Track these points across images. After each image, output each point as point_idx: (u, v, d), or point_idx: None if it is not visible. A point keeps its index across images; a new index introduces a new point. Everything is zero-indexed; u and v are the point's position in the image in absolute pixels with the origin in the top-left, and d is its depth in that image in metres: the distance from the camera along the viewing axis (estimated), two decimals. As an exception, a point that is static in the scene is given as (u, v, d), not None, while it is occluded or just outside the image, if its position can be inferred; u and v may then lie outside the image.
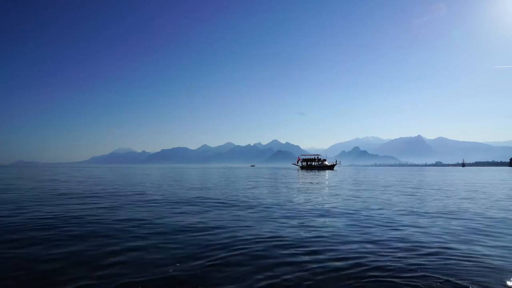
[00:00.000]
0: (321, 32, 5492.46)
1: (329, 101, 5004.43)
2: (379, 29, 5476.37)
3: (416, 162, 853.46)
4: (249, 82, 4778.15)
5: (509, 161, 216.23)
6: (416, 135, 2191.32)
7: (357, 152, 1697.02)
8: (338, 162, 72.87)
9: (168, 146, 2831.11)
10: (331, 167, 69.72)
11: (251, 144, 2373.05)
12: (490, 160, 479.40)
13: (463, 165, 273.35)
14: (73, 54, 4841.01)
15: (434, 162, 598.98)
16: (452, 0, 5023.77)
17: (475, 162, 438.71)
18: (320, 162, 70.64)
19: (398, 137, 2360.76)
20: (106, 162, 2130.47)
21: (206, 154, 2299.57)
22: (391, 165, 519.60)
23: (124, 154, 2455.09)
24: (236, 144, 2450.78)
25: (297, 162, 74.89)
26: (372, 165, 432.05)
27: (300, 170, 58.90)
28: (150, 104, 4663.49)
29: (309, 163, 72.34)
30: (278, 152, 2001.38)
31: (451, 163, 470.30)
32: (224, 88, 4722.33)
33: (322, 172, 47.22)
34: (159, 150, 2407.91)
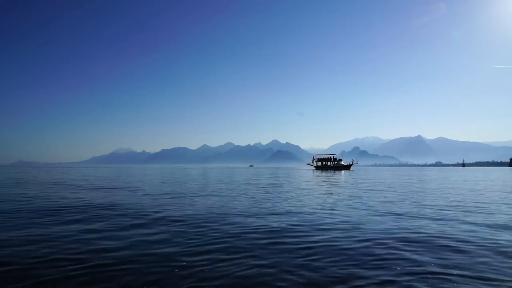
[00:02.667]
0: (321, 32, 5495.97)
1: (329, 101, 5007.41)
2: (379, 29, 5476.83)
3: (416, 162, 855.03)
4: (249, 82, 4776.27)
5: (509, 161, 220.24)
6: (416, 135, 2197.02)
7: (357, 152, 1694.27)
8: (355, 162, 70.63)
9: (168, 146, 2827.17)
10: (347, 167, 67.97)
11: (251, 144, 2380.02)
12: (490, 160, 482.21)
13: (463, 165, 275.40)
14: (73, 54, 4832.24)
15: (434, 162, 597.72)
16: (452, 0, 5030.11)
17: (475, 162, 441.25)
18: (336, 162, 68.99)
19: (398, 137, 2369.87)
20: (106, 162, 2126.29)
21: (206, 154, 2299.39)
22: (391, 165, 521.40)
23: (124, 154, 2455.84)
24: (236, 144, 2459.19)
25: (312, 162, 74.12)
26: (372, 165, 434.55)
27: (315, 170, 58.58)
28: (150, 104, 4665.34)
29: (324, 163, 71.21)
30: (278, 152, 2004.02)
31: (451, 163, 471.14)
32: (224, 88, 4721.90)
33: (338, 173, 46.91)
34: (159, 150, 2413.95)
